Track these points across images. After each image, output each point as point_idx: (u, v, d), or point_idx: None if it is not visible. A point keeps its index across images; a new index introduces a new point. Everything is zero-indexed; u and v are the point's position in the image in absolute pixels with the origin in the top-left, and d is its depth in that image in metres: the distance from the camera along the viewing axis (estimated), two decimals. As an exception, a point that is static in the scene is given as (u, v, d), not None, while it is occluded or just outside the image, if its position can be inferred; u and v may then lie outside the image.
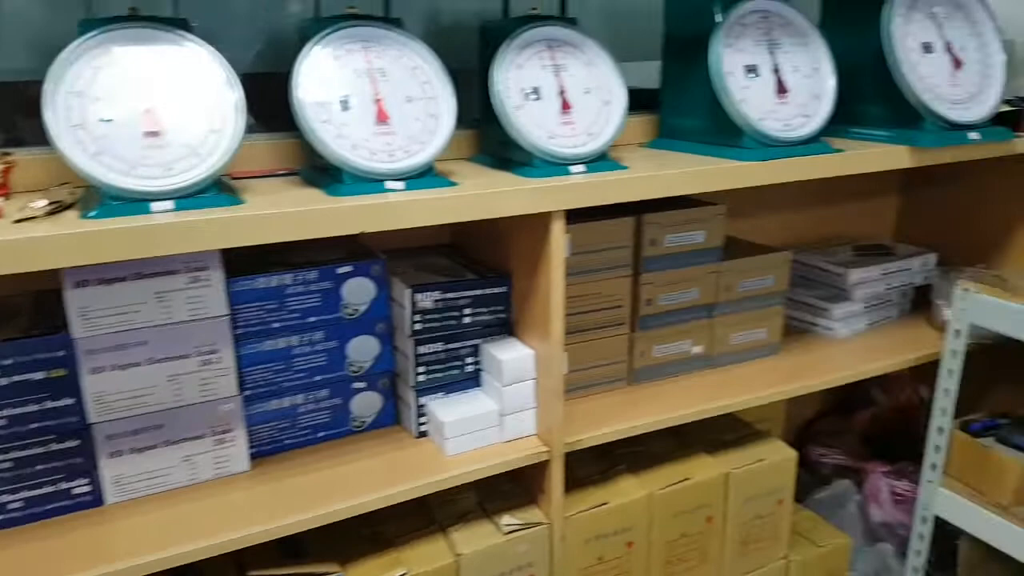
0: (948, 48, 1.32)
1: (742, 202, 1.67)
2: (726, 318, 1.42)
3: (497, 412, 1.17)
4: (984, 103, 1.34)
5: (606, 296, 1.30)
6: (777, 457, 1.40)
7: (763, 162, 1.19)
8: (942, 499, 1.45)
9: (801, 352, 1.53)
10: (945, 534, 1.49)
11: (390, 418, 1.24)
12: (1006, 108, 1.40)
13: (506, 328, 1.23)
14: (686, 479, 1.31)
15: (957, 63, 1.32)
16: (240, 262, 1.08)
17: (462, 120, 1.20)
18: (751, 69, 1.21)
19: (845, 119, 1.40)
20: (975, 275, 1.44)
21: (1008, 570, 1.36)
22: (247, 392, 1.11)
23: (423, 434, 1.21)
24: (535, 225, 1.09)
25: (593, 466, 1.34)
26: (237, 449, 1.12)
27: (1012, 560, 1.33)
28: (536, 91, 1.11)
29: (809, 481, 1.80)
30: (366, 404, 1.22)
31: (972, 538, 1.42)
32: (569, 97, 1.12)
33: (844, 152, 1.25)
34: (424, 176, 1.02)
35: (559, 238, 1.07)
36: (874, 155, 1.28)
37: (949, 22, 1.34)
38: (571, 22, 1.17)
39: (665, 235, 1.31)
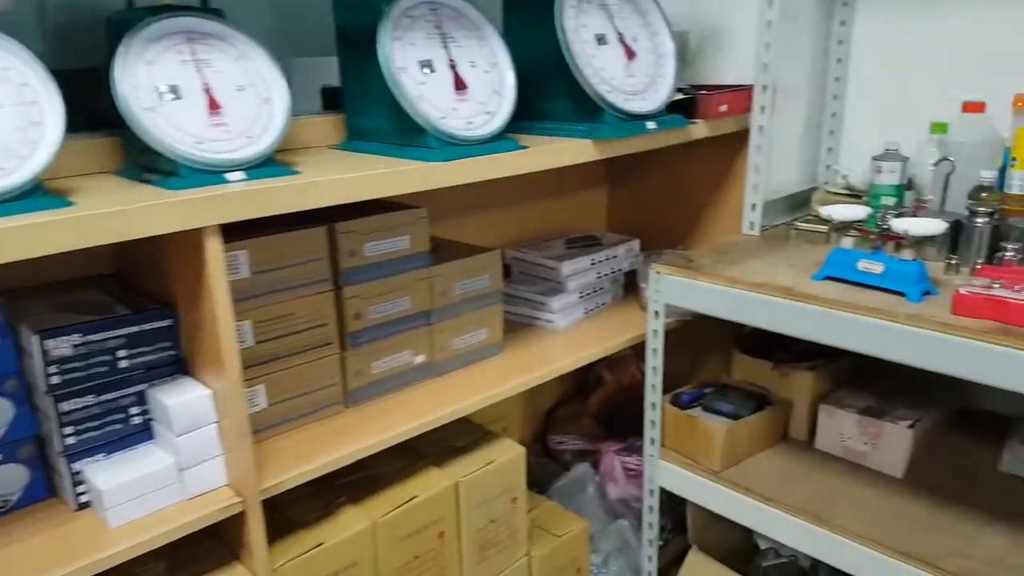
0: (621, 39, 1.37)
1: (454, 202, 1.64)
2: (445, 323, 1.37)
3: (174, 467, 1.01)
4: (658, 92, 1.40)
5: (306, 315, 1.18)
6: (506, 456, 1.38)
7: (448, 162, 1.13)
8: (663, 471, 1.51)
9: (524, 347, 1.53)
10: (675, 501, 1.56)
11: (43, 491, 1.03)
12: (680, 96, 1.49)
13: (179, 367, 1.06)
14: (413, 498, 1.24)
15: (630, 54, 1.37)
16: None
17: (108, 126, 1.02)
18: (426, 64, 1.16)
19: (533, 114, 1.40)
20: (668, 258, 1.52)
21: (733, 528, 1.45)
22: None
23: (85, 505, 1.01)
24: (188, 245, 0.94)
25: (312, 503, 1.22)
26: None
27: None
28: (174, 90, 0.96)
29: (554, 469, 1.82)
30: (7, 479, 0.99)
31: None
32: (217, 95, 0.99)
33: (529, 148, 1.24)
34: (25, 198, 0.83)
35: (216, 257, 0.93)
36: (558, 150, 1.29)
37: (620, 14, 1.39)
38: (215, 13, 1.03)
39: (364, 243, 1.22)
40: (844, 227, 1.24)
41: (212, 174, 0.96)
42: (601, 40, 1.34)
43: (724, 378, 1.66)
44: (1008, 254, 1.19)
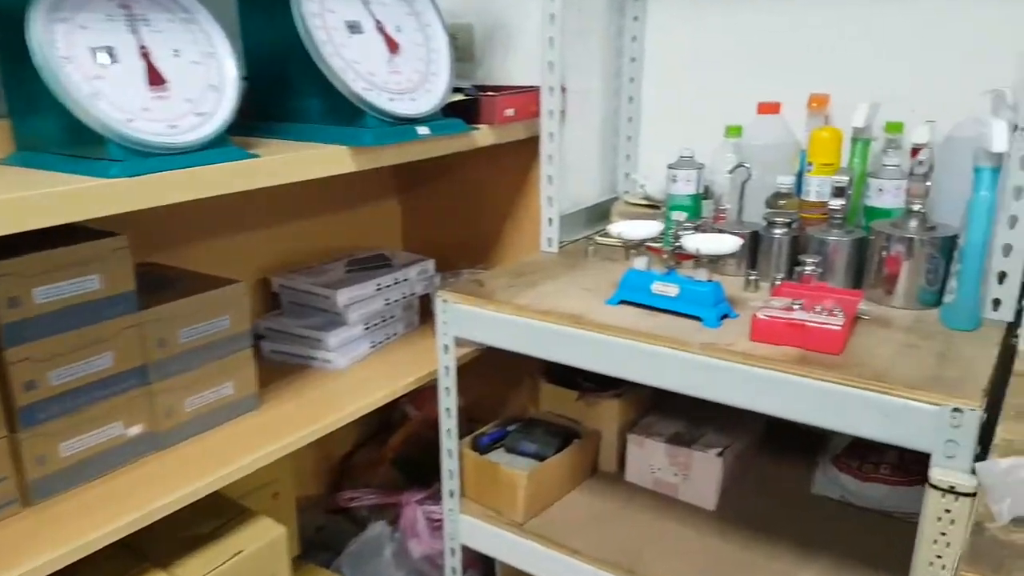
0: (380, 28, 1.16)
1: (199, 221, 1.36)
2: (170, 381, 1.09)
3: None
4: (432, 92, 1.20)
5: (-51, 390, 0.87)
6: (263, 541, 1.12)
7: (136, 178, 0.87)
8: (465, 526, 1.32)
9: (292, 397, 1.27)
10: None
11: None
12: (459, 97, 1.30)
13: None
14: (121, 618, 0.96)
15: (393, 46, 1.16)
16: None
17: None
18: (104, 52, 0.89)
19: (282, 115, 1.17)
20: (461, 282, 1.34)
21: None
22: None
23: None
24: None
25: (-24, 639, 0.91)
26: None
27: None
28: None
29: (351, 529, 1.58)
30: None
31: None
32: None
33: (262, 158, 1.00)
34: None
35: None
36: (305, 159, 1.05)
37: None
38: None
39: (32, 289, 0.92)
40: (637, 245, 1.10)
41: None
42: (354, 28, 1.12)
43: (532, 411, 1.49)
44: (808, 268, 1.09)
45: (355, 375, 1.36)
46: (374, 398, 1.28)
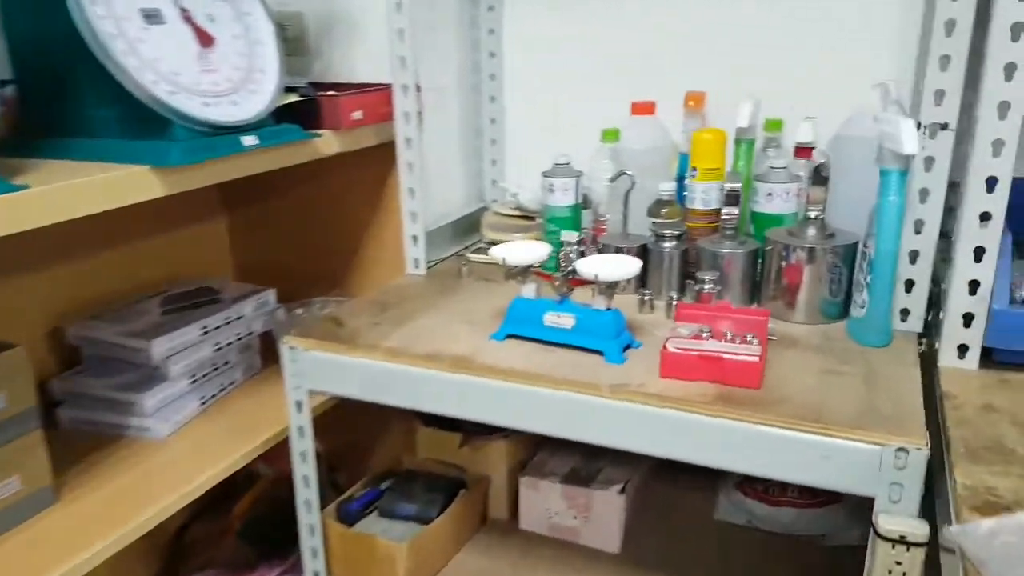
0: (187, 17, 0.92)
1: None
2: (-81, 490, 0.81)
3: None
4: (258, 94, 0.98)
5: None
6: None
7: None
8: (334, 611, 1.12)
9: (98, 484, 1.00)
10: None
11: None
12: (293, 98, 1.08)
13: None
14: None
15: (205, 39, 0.93)
16: None
17: None
18: None
19: (63, 129, 0.91)
20: (310, 317, 1.12)
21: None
22: None
23: None
24: None
25: None
26: None
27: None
28: None
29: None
30: None
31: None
32: None
33: (29, 190, 0.74)
34: None
35: None
36: (92, 188, 0.80)
37: (184, -19, 0.93)
38: None
39: None
40: (523, 272, 0.94)
41: None
42: (153, 18, 0.88)
43: (407, 460, 1.30)
44: (707, 287, 0.99)
45: (182, 443, 1.11)
46: (208, 474, 1.04)
